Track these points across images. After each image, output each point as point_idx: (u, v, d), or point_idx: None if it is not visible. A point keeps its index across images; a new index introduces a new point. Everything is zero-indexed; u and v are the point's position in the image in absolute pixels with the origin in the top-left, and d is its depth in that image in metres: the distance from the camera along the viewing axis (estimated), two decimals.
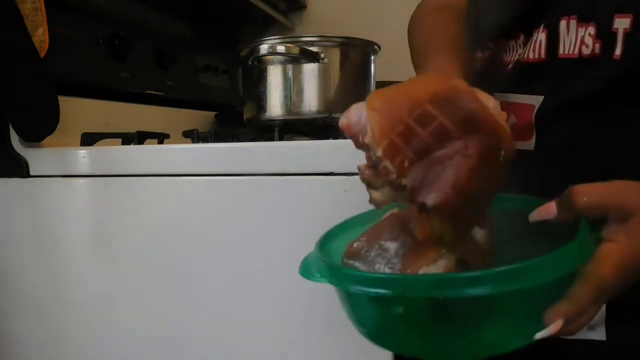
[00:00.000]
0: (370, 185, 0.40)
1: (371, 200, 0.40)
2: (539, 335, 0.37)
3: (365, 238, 0.42)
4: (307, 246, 0.56)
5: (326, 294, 0.60)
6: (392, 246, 0.41)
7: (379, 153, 0.36)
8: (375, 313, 0.39)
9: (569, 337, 0.58)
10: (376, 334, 0.40)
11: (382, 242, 0.41)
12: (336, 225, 0.47)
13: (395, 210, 0.43)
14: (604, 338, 0.56)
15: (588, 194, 0.39)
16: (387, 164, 0.36)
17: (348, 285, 0.37)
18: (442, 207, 0.35)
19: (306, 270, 0.40)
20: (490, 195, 0.39)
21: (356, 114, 0.39)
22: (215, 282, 0.65)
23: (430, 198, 0.35)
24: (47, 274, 0.73)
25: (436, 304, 0.35)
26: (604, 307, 0.55)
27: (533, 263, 0.34)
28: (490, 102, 0.39)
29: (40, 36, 0.69)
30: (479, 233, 0.41)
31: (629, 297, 0.44)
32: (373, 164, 0.38)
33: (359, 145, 0.39)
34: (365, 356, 0.57)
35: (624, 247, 0.38)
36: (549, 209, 0.41)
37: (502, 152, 0.37)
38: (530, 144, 0.58)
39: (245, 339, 0.64)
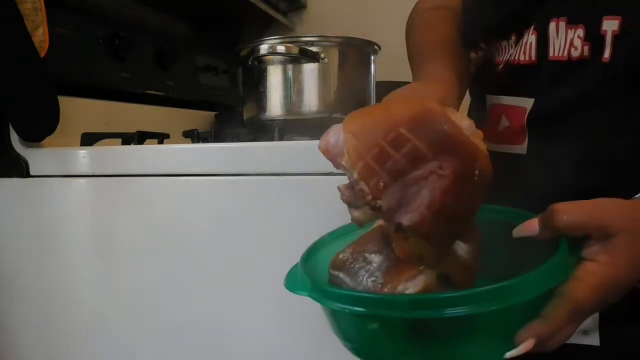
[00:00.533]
0: (350, 205, 0.41)
1: (353, 219, 0.41)
2: (509, 354, 0.37)
3: (350, 249, 0.43)
4: (307, 246, 0.56)
5: None
6: (375, 259, 0.41)
7: (355, 175, 0.37)
8: (354, 329, 0.40)
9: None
10: (359, 349, 0.41)
11: (366, 254, 0.42)
12: (327, 233, 0.48)
13: (382, 223, 0.44)
14: (597, 343, 0.56)
15: (569, 212, 0.39)
16: (362, 185, 0.37)
17: (327, 301, 0.38)
18: (417, 227, 0.35)
19: (291, 283, 0.41)
20: (469, 213, 0.39)
21: (334, 137, 0.40)
22: (215, 282, 0.65)
23: (406, 218, 0.36)
24: (47, 274, 0.73)
25: (410, 321, 0.36)
26: (597, 313, 0.55)
27: (507, 284, 0.34)
28: (464, 122, 0.40)
29: (40, 36, 0.69)
30: (461, 247, 0.41)
31: (622, 302, 0.44)
32: (351, 185, 0.39)
33: (338, 166, 0.40)
34: None
35: (604, 268, 0.38)
36: (531, 226, 0.41)
37: (477, 172, 0.38)
38: (522, 148, 0.58)
39: (246, 338, 0.64)
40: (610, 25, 0.50)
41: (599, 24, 0.50)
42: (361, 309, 0.35)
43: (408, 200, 0.36)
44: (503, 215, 0.45)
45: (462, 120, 0.40)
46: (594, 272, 0.38)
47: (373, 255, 0.41)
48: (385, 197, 0.37)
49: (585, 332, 0.55)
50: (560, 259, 0.37)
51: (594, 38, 0.50)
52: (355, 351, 0.41)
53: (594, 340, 0.56)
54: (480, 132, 0.40)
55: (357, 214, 0.40)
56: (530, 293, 0.35)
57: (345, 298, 0.37)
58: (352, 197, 0.40)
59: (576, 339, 0.56)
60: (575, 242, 0.39)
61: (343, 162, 0.39)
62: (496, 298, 0.34)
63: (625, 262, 0.39)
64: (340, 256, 0.43)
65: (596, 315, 0.54)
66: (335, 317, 0.40)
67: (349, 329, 0.40)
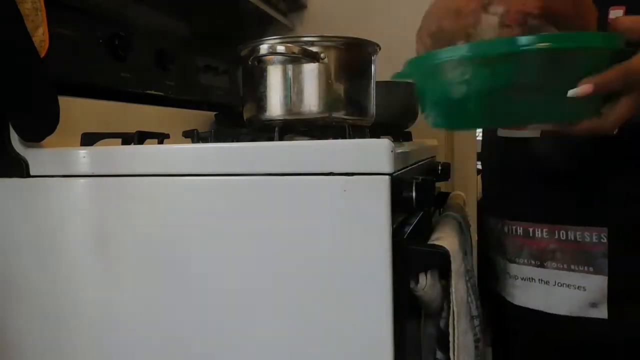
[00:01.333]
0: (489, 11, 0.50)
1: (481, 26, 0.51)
2: (571, 92, 0.45)
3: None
4: (307, 245, 0.56)
5: (326, 294, 0.60)
6: None
7: None
8: (445, 86, 0.50)
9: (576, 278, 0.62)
10: (447, 111, 0.51)
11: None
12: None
13: None
14: (605, 316, 0.60)
15: (628, 19, 0.48)
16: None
17: (434, 60, 0.50)
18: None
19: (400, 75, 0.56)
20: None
21: None
22: (215, 282, 0.65)
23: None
24: (47, 274, 0.73)
25: (491, 72, 0.46)
26: (605, 286, 0.59)
27: (579, 33, 0.47)
28: None
29: (40, 36, 0.69)
30: None
31: (630, 276, 0.47)
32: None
33: None
34: (366, 356, 0.57)
35: None
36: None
37: None
38: (536, 132, 0.65)
39: (246, 339, 0.64)
40: (615, 15, 0.56)
41: (606, 14, 0.56)
42: (454, 55, 0.46)
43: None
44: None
45: None
46: None
47: None
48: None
49: (594, 305, 0.60)
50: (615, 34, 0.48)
51: (603, 27, 0.55)
52: (443, 117, 0.51)
53: (602, 313, 0.60)
54: None
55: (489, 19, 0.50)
56: (594, 42, 0.46)
57: (443, 53, 0.49)
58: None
59: (585, 312, 0.62)
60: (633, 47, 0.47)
61: None
62: (571, 39, 0.45)
63: None
64: None
65: (604, 289, 0.59)
66: (430, 84, 0.50)
67: (441, 88, 0.50)
